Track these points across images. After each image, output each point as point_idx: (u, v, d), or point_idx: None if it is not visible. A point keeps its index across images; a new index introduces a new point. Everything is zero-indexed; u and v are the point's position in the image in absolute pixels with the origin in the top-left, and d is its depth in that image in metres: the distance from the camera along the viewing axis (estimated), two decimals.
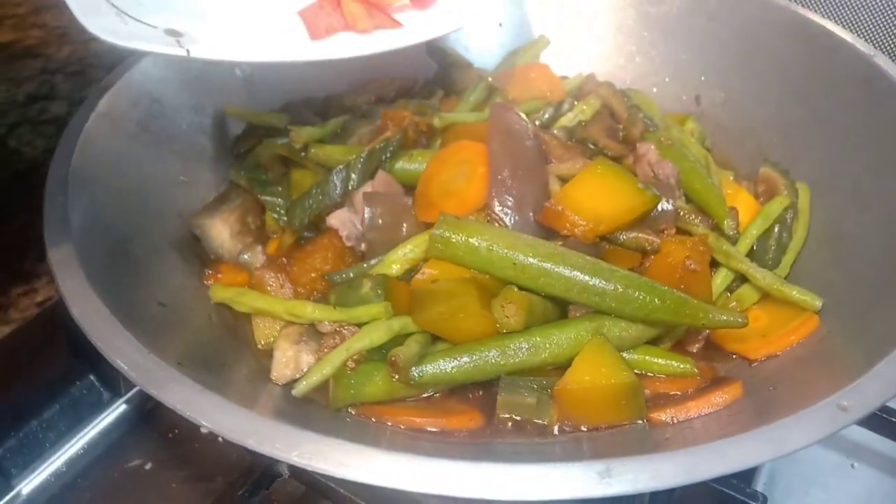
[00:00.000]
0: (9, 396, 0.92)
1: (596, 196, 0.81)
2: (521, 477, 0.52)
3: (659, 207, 0.85)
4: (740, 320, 0.74)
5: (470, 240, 0.76)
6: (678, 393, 0.76)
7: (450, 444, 0.70)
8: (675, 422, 0.72)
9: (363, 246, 0.84)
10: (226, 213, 0.89)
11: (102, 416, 0.97)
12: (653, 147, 0.93)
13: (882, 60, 0.93)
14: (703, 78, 1.14)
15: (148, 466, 0.93)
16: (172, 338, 0.70)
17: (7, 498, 0.87)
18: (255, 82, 1.11)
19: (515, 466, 0.53)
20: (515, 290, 0.75)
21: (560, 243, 0.80)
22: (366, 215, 0.83)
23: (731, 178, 0.99)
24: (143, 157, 0.91)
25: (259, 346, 0.81)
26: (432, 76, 1.15)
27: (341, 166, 0.86)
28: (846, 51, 0.96)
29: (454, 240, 0.76)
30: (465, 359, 0.74)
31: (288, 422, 0.55)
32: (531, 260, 0.75)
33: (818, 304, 0.80)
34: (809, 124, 0.99)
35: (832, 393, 0.59)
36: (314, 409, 0.73)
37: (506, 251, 0.75)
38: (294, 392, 0.71)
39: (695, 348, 0.82)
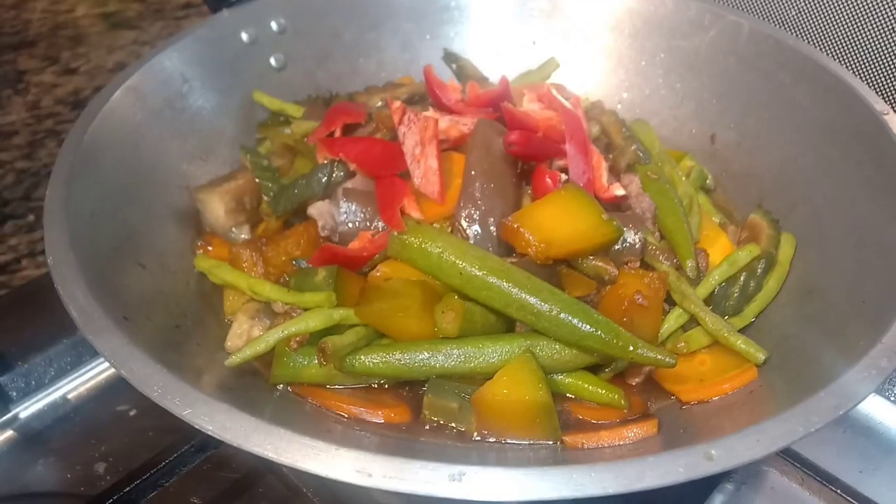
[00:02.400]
0: (21, 331, 1.03)
1: (557, 220, 0.83)
2: (382, 464, 0.56)
3: (627, 240, 0.87)
4: (668, 360, 0.75)
5: (424, 245, 0.80)
6: (604, 422, 0.78)
7: (360, 432, 0.74)
8: (587, 448, 0.74)
9: (336, 238, 0.90)
10: (224, 190, 0.96)
11: (102, 359, 1.06)
12: (636, 180, 0.94)
13: (892, 119, 0.90)
14: (721, 118, 1.13)
15: (133, 413, 1.02)
16: (134, 295, 0.77)
17: (4, 418, 0.97)
18: (287, 73, 1.19)
19: (378, 456, 0.57)
20: (456, 298, 0.78)
21: (513, 260, 0.82)
22: (342, 209, 0.89)
23: (718, 221, 0.99)
24: (163, 131, 1.00)
25: (227, 319, 0.87)
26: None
27: (327, 161, 0.91)
28: (860, 106, 0.93)
29: (410, 242, 0.81)
30: (398, 356, 0.78)
31: (191, 383, 0.61)
32: (476, 272, 0.78)
33: (761, 357, 0.79)
34: (812, 176, 0.97)
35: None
36: (254, 382, 0.79)
37: (455, 260, 0.79)
38: (226, 362, 0.77)
39: (635, 381, 0.83)
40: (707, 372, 0.81)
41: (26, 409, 1.00)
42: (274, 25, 1.17)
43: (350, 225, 0.89)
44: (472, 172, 0.87)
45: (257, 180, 0.97)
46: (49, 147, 1.45)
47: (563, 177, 0.88)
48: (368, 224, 0.89)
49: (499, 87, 0.99)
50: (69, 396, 1.03)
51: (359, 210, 0.89)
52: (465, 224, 0.86)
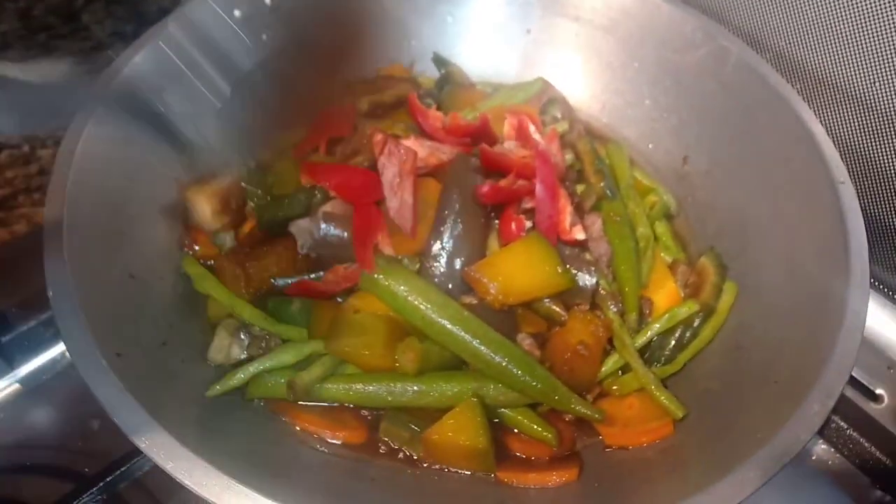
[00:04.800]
0: (21, 293, 1.11)
1: (515, 270, 0.90)
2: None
3: (580, 283, 0.94)
4: (597, 416, 0.87)
5: (392, 284, 0.88)
6: (535, 458, 0.89)
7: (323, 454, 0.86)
8: (516, 485, 0.86)
9: (314, 255, 0.97)
10: (211, 191, 1.01)
11: None
12: (598, 222, 1.00)
13: (845, 191, 0.95)
14: (697, 141, 1.16)
15: None
16: (125, 317, 0.85)
17: (6, 377, 1.08)
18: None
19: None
20: (417, 342, 0.87)
21: (473, 302, 0.90)
22: (321, 231, 0.95)
23: (670, 260, 1.05)
24: (154, 120, 1.02)
25: (210, 324, 0.96)
26: (435, 84, 1.21)
27: (308, 186, 0.97)
28: (820, 167, 0.97)
29: (380, 281, 0.88)
30: (359, 387, 0.88)
31: (174, 423, 0.71)
32: (436, 318, 0.87)
33: (680, 414, 0.90)
34: (766, 225, 1.03)
35: None
36: (233, 396, 0.89)
37: (419, 303, 0.87)
38: (207, 394, 0.86)
39: (568, 417, 0.93)
40: (632, 417, 0.91)
41: (27, 367, 1.10)
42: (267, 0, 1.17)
43: (328, 243, 0.96)
44: (445, 212, 0.93)
45: (244, 186, 1.02)
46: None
47: (528, 224, 0.94)
48: (345, 244, 0.95)
49: (479, 122, 1.02)
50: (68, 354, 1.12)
51: (337, 231, 0.95)
52: (432, 262, 0.93)
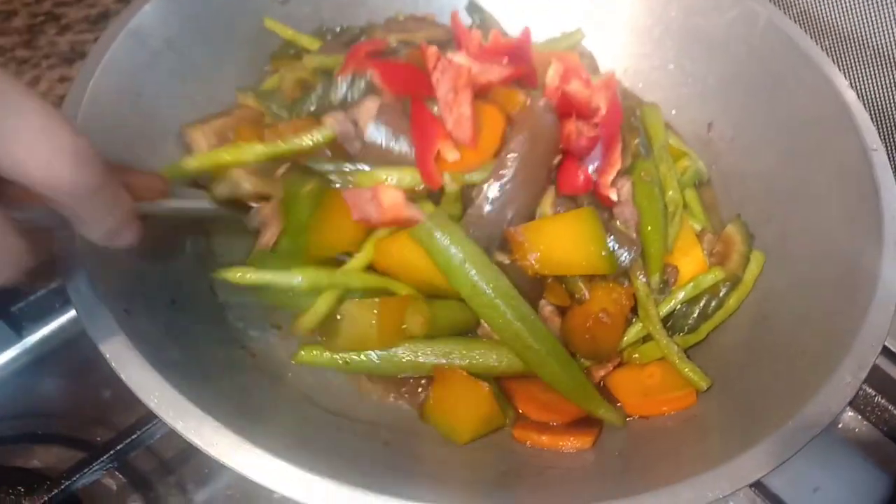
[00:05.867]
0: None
1: (560, 242, 0.86)
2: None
3: (620, 261, 0.90)
4: (619, 423, 0.86)
5: (451, 247, 0.82)
6: (554, 423, 0.87)
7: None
8: (530, 448, 0.84)
9: (357, 146, 0.91)
10: (207, 126, 0.97)
11: None
12: (629, 185, 0.96)
13: (878, 158, 0.91)
14: (722, 107, 1.13)
15: None
16: (133, 272, 0.83)
17: (15, 346, 1.05)
18: (290, 6, 1.15)
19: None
20: (425, 306, 0.84)
21: (507, 261, 0.87)
22: (371, 124, 0.88)
23: (698, 228, 1.02)
24: (163, 77, 0.99)
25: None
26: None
27: (350, 75, 0.93)
28: (852, 136, 0.93)
29: (438, 238, 0.82)
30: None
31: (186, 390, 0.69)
32: (488, 291, 0.82)
33: (704, 385, 0.87)
34: (792, 194, 1.00)
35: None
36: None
37: (472, 272, 0.82)
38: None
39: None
40: (653, 387, 0.89)
41: (36, 335, 1.06)
42: None
43: (378, 142, 0.88)
44: (511, 154, 0.88)
45: (263, 103, 0.99)
46: (49, 34, 1.41)
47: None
48: (393, 145, 0.89)
49: (521, 36, 0.98)
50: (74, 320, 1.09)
51: (389, 131, 0.88)
52: (484, 205, 0.87)
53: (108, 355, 0.70)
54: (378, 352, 0.84)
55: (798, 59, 1.03)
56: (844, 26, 1.10)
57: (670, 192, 1.00)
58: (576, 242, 0.86)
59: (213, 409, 0.69)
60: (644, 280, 0.93)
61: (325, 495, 0.64)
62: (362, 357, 0.84)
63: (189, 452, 1.00)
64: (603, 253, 0.86)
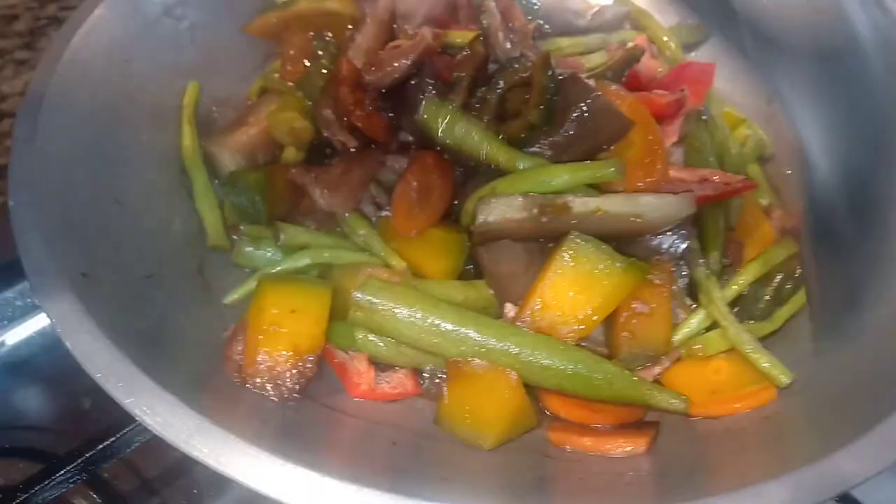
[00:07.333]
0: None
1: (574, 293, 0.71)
2: None
3: (667, 248, 0.75)
4: (682, 406, 0.69)
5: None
6: (599, 426, 0.71)
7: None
8: (569, 452, 0.68)
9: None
10: (236, 145, 0.88)
11: None
12: (679, 151, 0.83)
13: None
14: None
15: None
16: (103, 239, 0.71)
17: None
18: None
19: None
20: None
21: None
22: None
23: (765, 203, 0.87)
24: (156, 44, 0.91)
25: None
26: None
27: None
28: None
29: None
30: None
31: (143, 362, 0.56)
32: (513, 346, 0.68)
33: (786, 380, 0.71)
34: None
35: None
36: None
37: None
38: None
39: None
40: (721, 383, 0.73)
41: (13, 337, 0.96)
42: None
43: None
44: None
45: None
46: (50, 36, 1.35)
47: None
48: None
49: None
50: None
51: None
52: None
53: (53, 319, 0.59)
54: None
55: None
56: None
57: (726, 163, 0.85)
58: (584, 289, 0.70)
59: (174, 387, 0.56)
60: (702, 262, 0.78)
61: (305, 488, 0.50)
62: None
63: (176, 471, 0.87)
64: (617, 265, 0.70)
